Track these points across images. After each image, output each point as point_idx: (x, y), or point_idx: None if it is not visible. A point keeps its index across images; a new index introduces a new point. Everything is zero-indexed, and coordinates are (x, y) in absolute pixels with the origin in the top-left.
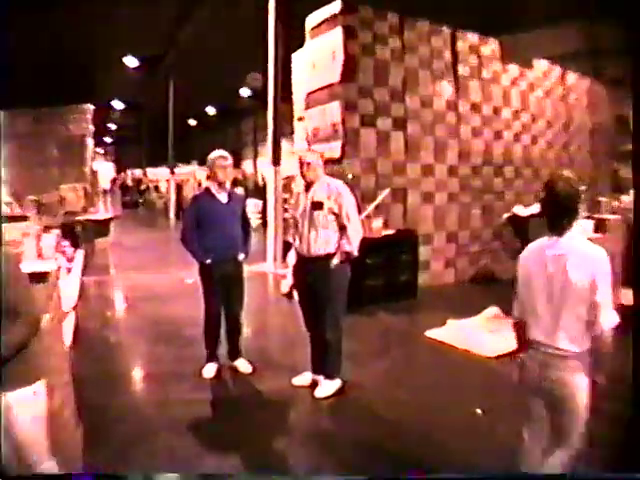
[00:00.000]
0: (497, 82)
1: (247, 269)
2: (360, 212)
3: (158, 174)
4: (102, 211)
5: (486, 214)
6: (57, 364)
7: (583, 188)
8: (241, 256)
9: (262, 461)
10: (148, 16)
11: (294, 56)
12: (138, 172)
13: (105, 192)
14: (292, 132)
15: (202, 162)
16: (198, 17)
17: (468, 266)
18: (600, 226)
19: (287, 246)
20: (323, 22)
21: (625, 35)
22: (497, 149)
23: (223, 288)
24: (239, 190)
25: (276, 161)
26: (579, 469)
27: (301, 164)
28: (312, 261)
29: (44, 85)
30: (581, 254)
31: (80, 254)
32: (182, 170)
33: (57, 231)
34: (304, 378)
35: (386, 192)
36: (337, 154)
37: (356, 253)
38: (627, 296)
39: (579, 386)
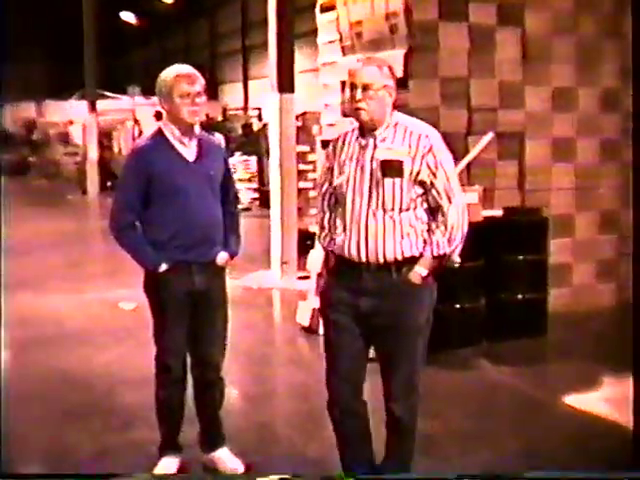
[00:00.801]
0: None
1: (234, 284)
2: None
3: (66, 112)
4: None
5: None
6: None
7: None
8: (221, 256)
9: None
10: None
11: None
12: (28, 108)
13: None
14: (313, 31)
15: (148, 90)
16: None
17: None
18: None
19: (303, 239)
20: None
21: None
22: None
23: (191, 317)
24: (217, 137)
25: (284, 85)
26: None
27: (351, 87)
28: (373, 273)
29: None
30: None
31: None
32: (112, 104)
33: None
34: None
35: (487, 139)
36: (397, 71)
37: (458, 259)
38: None
39: None
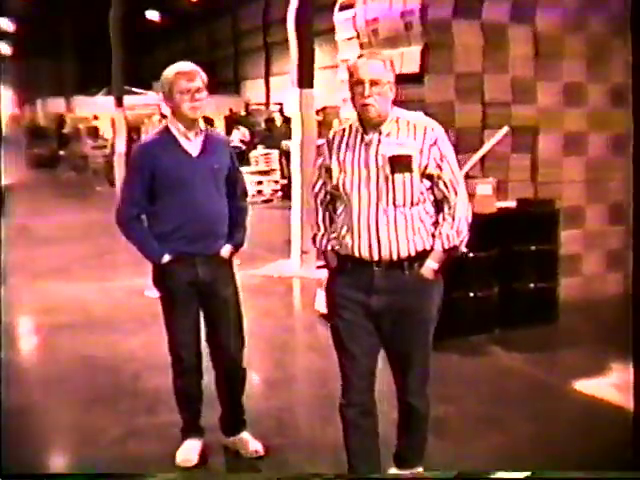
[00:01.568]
0: None
1: (255, 273)
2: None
3: (95, 107)
4: None
5: None
6: None
7: None
8: (225, 249)
9: None
10: None
11: None
12: (58, 104)
13: None
14: (332, 29)
15: None
16: None
17: None
18: None
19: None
20: None
21: None
22: None
23: (202, 309)
24: (237, 133)
25: (305, 81)
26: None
27: (356, 83)
28: (385, 271)
29: None
30: None
31: None
32: (138, 100)
33: None
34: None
35: (501, 134)
36: (413, 67)
37: (464, 249)
38: None
39: None
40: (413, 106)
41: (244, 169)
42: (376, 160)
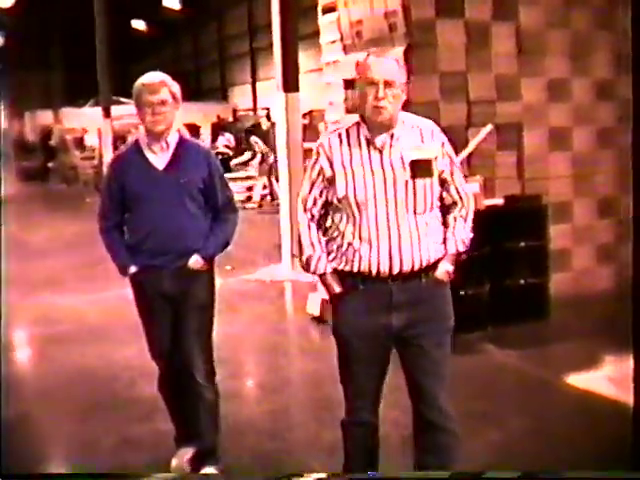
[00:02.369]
0: None
1: (248, 278)
2: None
3: (82, 118)
4: None
5: None
6: None
7: None
8: (193, 259)
9: None
10: None
11: None
12: (46, 116)
13: None
14: (316, 32)
15: None
16: None
17: None
18: None
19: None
20: None
21: None
22: None
23: (171, 321)
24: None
25: (290, 85)
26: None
27: (366, 83)
28: (403, 284)
29: None
30: None
31: None
32: (125, 110)
33: None
34: None
35: (485, 132)
36: None
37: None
38: None
39: None
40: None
41: (230, 175)
42: (391, 165)
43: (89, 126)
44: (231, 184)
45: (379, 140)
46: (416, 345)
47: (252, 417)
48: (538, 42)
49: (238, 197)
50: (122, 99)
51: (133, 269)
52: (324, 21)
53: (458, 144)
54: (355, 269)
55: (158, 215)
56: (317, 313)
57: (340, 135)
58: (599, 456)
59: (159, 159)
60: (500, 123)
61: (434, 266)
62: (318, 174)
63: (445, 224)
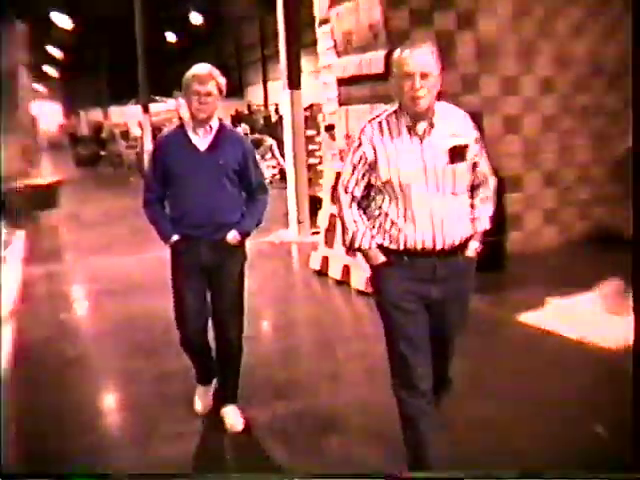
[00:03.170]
0: None
1: (261, 240)
2: None
3: (126, 115)
4: (47, 172)
5: (598, 145)
6: None
7: None
8: (231, 234)
9: None
10: None
11: None
12: (97, 114)
13: (50, 145)
14: (314, 42)
15: None
16: None
17: (577, 220)
18: None
19: (313, 203)
20: None
21: None
22: (610, 51)
23: (207, 288)
24: (240, 129)
25: (294, 83)
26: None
27: (403, 77)
28: (445, 259)
29: None
30: None
31: (19, 236)
32: (161, 107)
33: None
34: None
35: None
36: (379, 68)
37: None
38: None
39: None
40: (382, 99)
41: None
42: (431, 151)
43: (131, 121)
44: None
45: (420, 127)
46: (442, 317)
47: (266, 354)
48: (494, 46)
49: None
50: (157, 98)
51: (175, 237)
52: (320, 31)
53: None
54: (401, 247)
55: (199, 191)
56: (318, 267)
57: (380, 123)
58: (547, 376)
59: (202, 141)
60: (464, 111)
61: (466, 244)
62: (360, 159)
63: (471, 205)
